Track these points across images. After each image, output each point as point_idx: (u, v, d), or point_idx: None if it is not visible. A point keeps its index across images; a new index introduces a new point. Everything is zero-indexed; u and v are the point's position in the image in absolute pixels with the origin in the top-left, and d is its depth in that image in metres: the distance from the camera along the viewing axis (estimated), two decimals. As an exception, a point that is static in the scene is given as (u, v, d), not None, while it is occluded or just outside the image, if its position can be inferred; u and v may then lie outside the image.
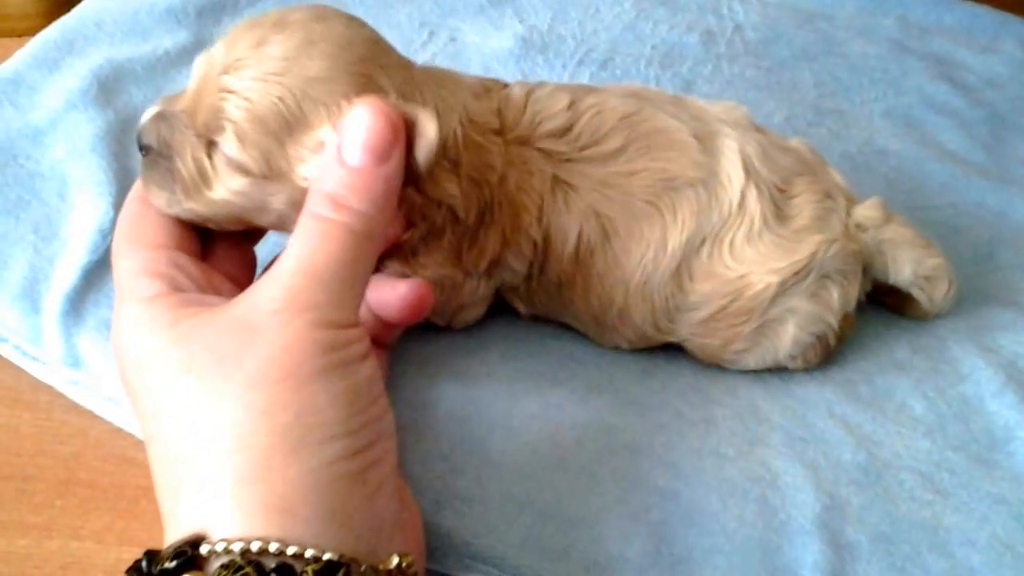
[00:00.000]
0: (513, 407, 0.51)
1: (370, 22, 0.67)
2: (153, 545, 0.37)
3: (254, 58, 0.42)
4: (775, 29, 0.81)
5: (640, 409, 0.53)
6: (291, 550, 0.35)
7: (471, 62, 0.73)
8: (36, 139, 0.59)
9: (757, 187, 0.51)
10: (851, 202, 0.55)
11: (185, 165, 0.43)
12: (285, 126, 0.42)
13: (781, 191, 0.52)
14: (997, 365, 0.56)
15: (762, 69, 0.77)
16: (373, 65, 0.43)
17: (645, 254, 0.50)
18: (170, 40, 0.67)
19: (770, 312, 0.51)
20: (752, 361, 0.54)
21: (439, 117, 0.43)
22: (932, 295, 0.56)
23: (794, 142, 0.56)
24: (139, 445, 0.49)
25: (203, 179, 0.43)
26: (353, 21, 0.45)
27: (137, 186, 0.46)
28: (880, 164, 0.70)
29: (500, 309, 0.55)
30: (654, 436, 0.51)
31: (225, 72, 0.42)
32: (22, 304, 0.52)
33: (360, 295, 0.42)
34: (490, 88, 0.51)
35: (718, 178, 0.51)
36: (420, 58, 0.72)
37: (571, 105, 0.50)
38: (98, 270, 0.53)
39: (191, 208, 0.44)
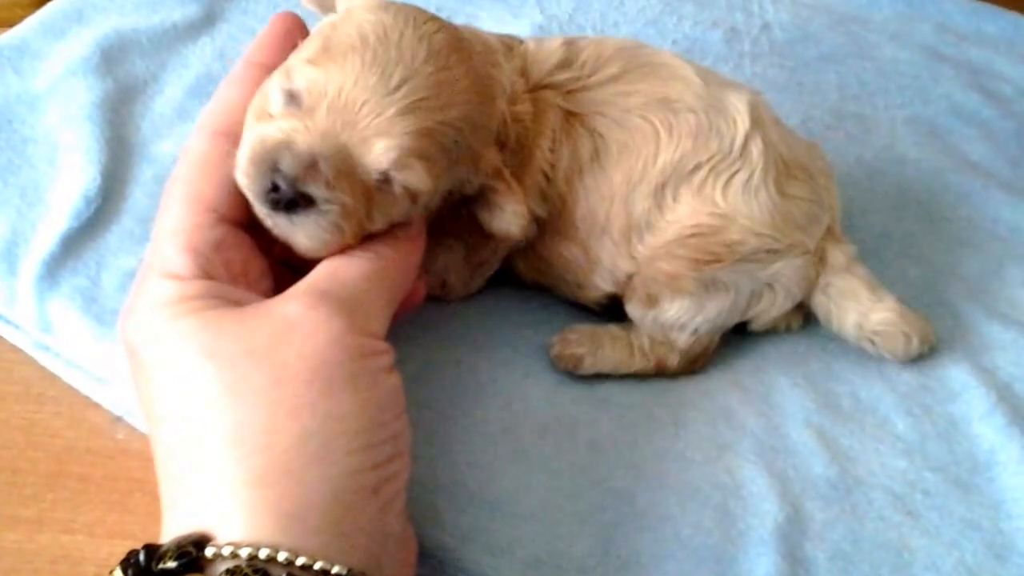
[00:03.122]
0: (477, 397, 0.51)
1: None
2: (146, 539, 0.35)
3: (434, 86, 0.42)
4: (805, 29, 0.79)
5: (610, 406, 0.52)
6: (300, 561, 0.33)
7: (484, 49, 0.72)
8: (33, 105, 0.60)
9: (764, 142, 0.50)
10: (832, 230, 0.54)
11: (356, 209, 0.41)
12: (457, 146, 0.43)
13: (786, 165, 0.51)
14: (990, 386, 0.54)
15: (785, 69, 0.75)
16: (488, 64, 0.47)
17: (634, 166, 0.50)
18: (180, 13, 0.68)
19: (724, 273, 0.50)
20: (675, 309, 0.51)
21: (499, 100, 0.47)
22: (888, 349, 0.54)
23: (811, 144, 0.55)
24: (132, 438, 0.50)
25: (369, 216, 0.42)
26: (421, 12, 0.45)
27: (208, 119, 0.43)
28: (897, 172, 0.68)
29: (478, 298, 0.55)
30: (620, 435, 0.50)
31: (404, 99, 0.41)
32: (0, 267, 0.52)
33: (386, 316, 0.42)
34: (511, 45, 0.51)
35: (722, 114, 0.50)
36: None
37: (567, 44, 0.51)
38: (78, 237, 0.54)
39: (346, 243, 0.42)
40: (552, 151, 0.50)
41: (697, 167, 0.50)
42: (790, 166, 0.52)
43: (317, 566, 0.34)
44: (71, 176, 0.56)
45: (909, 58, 0.78)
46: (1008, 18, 0.83)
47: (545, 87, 0.50)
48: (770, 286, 0.52)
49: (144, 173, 0.58)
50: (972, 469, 0.50)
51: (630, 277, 0.52)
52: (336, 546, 0.35)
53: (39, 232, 0.54)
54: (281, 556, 0.33)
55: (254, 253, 0.43)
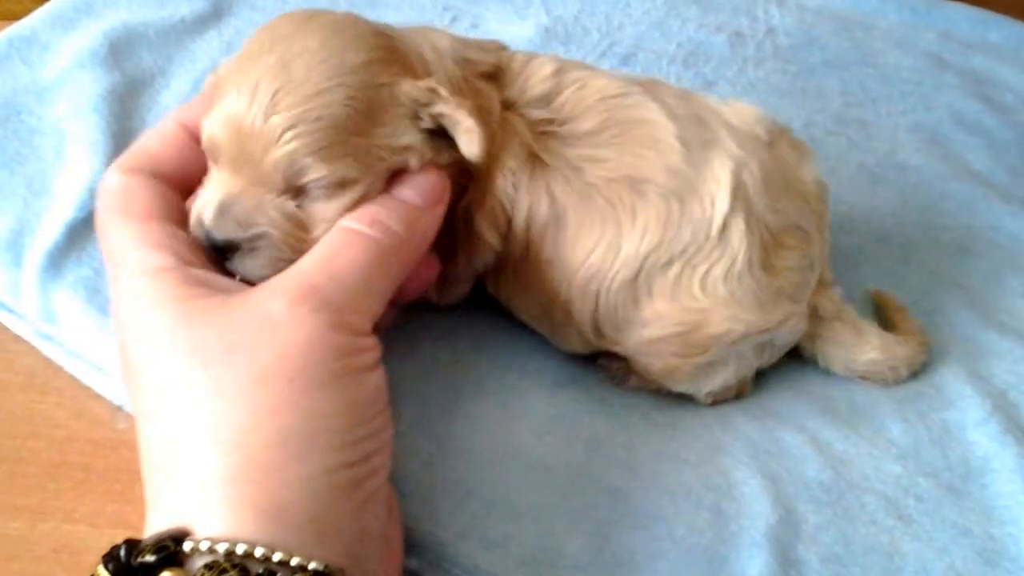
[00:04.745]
0: (476, 395, 0.51)
1: (393, 4, 0.69)
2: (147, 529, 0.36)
3: (292, 82, 0.41)
4: (809, 35, 0.79)
5: (606, 407, 0.52)
6: (277, 556, 0.34)
7: (489, 49, 0.72)
8: (41, 96, 0.61)
9: (747, 223, 0.47)
10: (822, 277, 0.53)
11: (283, 230, 0.42)
12: (365, 118, 0.42)
13: (773, 236, 0.49)
14: (986, 393, 0.54)
15: (788, 74, 0.76)
16: (387, 37, 0.45)
17: (592, 252, 0.48)
18: (188, 7, 0.68)
19: (719, 353, 0.50)
20: (682, 387, 0.52)
21: (440, 52, 0.46)
22: (876, 381, 0.55)
23: (811, 176, 0.52)
24: (133, 428, 0.49)
25: (303, 229, 0.42)
26: (325, 12, 0.45)
27: (121, 160, 0.45)
28: (898, 178, 0.68)
29: (476, 300, 0.55)
30: (616, 435, 0.51)
31: (271, 114, 0.40)
32: (5, 256, 0.53)
33: (377, 308, 0.42)
34: (486, 47, 0.50)
35: (697, 195, 0.48)
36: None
37: (557, 73, 0.49)
38: (83, 228, 0.54)
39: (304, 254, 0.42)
40: (514, 187, 0.48)
41: (670, 261, 0.47)
42: (778, 235, 0.49)
43: (294, 562, 0.34)
44: (77, 167, 0.56)
45: (913, 65, 0.78)
46: (1013, 27, 0.83)
47: (517, 113, 0.48)
48: (771, 342, 0.51)
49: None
50: (965, 475, 0.51)
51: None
52: (314, 542, 0.35)
53: (44, 222, 0.54)
54: (258, 552, 0.33)
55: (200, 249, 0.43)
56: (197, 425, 0.36)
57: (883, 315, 0.58)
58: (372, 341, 0.40)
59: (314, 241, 0.42)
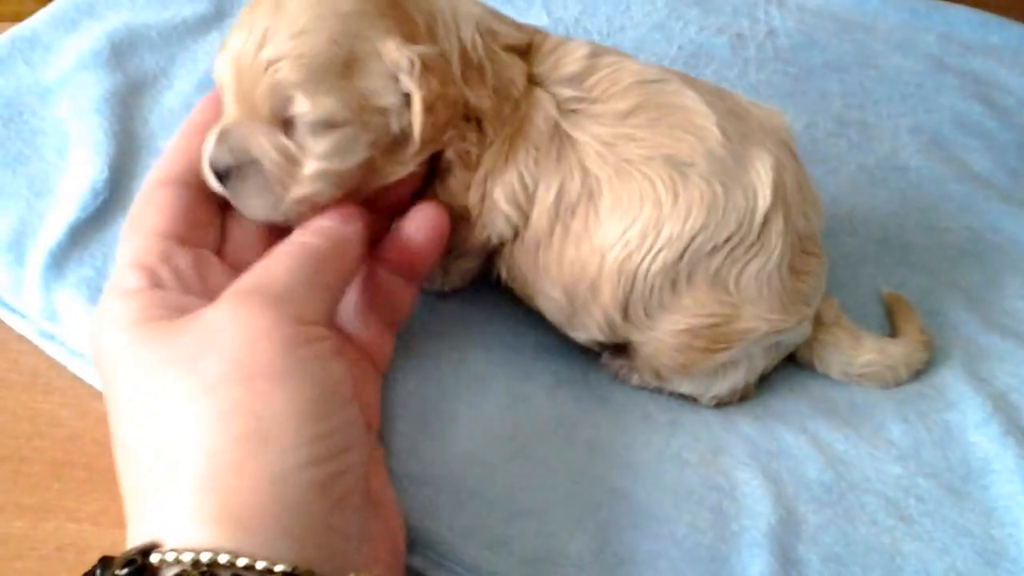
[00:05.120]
0: (480, 395, 0.51)
1: None
2: None
3: (281, 21, 0.42)
4: (810, 36, 0.80)
5: (608, 407, 0.52)
6: (241, 562, 0.33)
7: (490, 50, 0.72)
8: (43, 97, 0.61)
9: (785, 221, 0.47)
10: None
11: (270, 158, 0.43)
12: (344, 65, 0.42)
13: (800, 241, 0.49)
14: (987, 395, 0.54)
15: (790, 76, 0.76)
16: None
17: (630, 229, 0.47)
18: (190, 9, 0.68)
19: (734, 353, 0.50)
20: (687, 389, 0.52)
21: (461, 20, 0.46)
22: (876, 383, 0.55)
23: (811, 188, 0.52)
24: None
25: (293, 162, 0.43)
26: None
27: (156, 169, 0.46)
28: (898, 179, 0.68)
29: (479, 298, 0.55)
30: (617, 435, 0.51)
31: (261, 48, 0.42)
32: (8, 256, 0.53)
33: (329, 299, 0.42)
34: (522, 27, 0.50)
35: (741, 184, 0.47)
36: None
37: (592, 56, 0.49)
38: (86, 228, 0.54)
39: (295, 197, 0.44)
40: (536, 162, 0.47)
41: (715, 249, 0.47)
42: (805, 241, 0.50)
43: (259, 566, 0.34)
44: (79, 168, 0.56)
45: (913, 67, 0.78)
46: (1013, 29, 0.83)
47: (545, 88, 0.48)
48: (776, 344, 0.52)
49: (151, 166, 0.57)
50: (966, 476, 0.51)
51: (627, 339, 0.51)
52: (282, 546, 0.34)
53: (47, 223, 0.54)
54: (222, 558, 0.33)
55: (210, 263, 0.44)
56: (159, 440, 0.36)
57: (890, 317, 0.58)
58: (323, 330, 0.40)
59: (304, 177, 0.43)
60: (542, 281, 0.50)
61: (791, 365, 0.55)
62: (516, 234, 0.50)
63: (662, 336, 0.50)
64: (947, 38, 0.82)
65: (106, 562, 0.35)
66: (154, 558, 0.34)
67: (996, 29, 0.83)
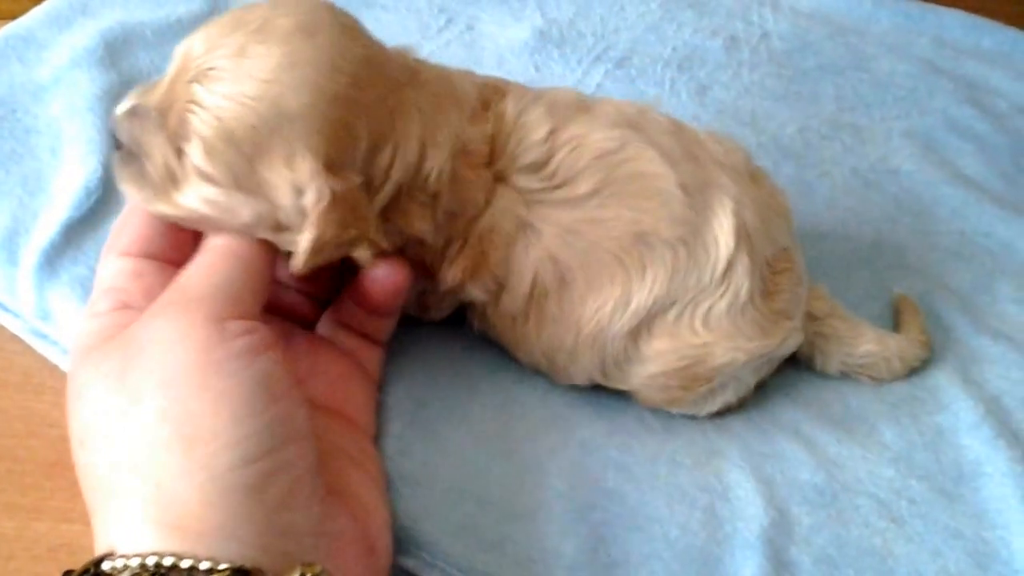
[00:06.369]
0: (472, 397, 0.51)
1: (389, 6, 0.66)
2: None
3: (230, 71, 0.40)
4: (804, 39, 0.80)
5: (602, 410, 0.52)
6: (185, 563, 0.34)
7: (485, 52, 0.73)
8: (37, 95, 0.61)
9: (750, 258, 0.48)
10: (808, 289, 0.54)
11: (155, 167, 0.42)
12: (256, 150, 0.40)
13: (769, 265, 0.50)
14: (979, 398, 0.54)
15: (783, 78, 0.76)
16: (352, 106, 0.41)
17: (602, 307, 0.48)
18: (184, 7, 0.68)
19: (721, 381, 0.50)
20: (682, 411, 0.52)
21: (430, 148, 0.44)
22: (874, 376, 0.55)
23: (776, 189, 0.53)
24: None
25: (172, 182, 0.42)
26: (345, 32, 0.43)
27: None
28: (891, 183, 0.68)
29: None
30: (611, 437, 0.51)
31: (197, 80, 0.40)
32: (0, 255, 0.53)
33: (249, 292, 0.41)
34: (489, 101, 0.48)
35: (702, 239, 0.48)
36: (434, 44, 0.72)
37: (551, 135, 0.47)
38: (79, 227, 0.54)
39: (160, 209, 0.43)
40: (507, 260, 0.47)
41: (672, 304, 0.48)
42: (774, 263, 0.50)
43: (203, 566, 0.34)
44: (73, 167, 0.56)
45: (907, 71, 0.78)
46: (1006, 33, 0.84)
47: (509, 185, 0.47)
48: (769, 359, 0.52)
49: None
50: (957, 479, 0.51)
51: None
52: (225, 548, 0.35)
53: (40, 222, 0.54)
54: (167, 561, 0.34)
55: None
56: (105, 450, 0.37)
57: (895, 315, 0.59)
58: (246, 324, 0.39)
59: (176, 202, 0.42)
60: (518, 347, 0.51)
61: (786, 368, 0.55)
62: (487, 304, 0.50)
63: (640, 383, 0.50)
64: (940, 42, 0.82)
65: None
66: (106, 565, 0.35)
67: (989, 33, 0.83)
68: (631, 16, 0.79)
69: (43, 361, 0.53)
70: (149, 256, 0.43)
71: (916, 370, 0.56)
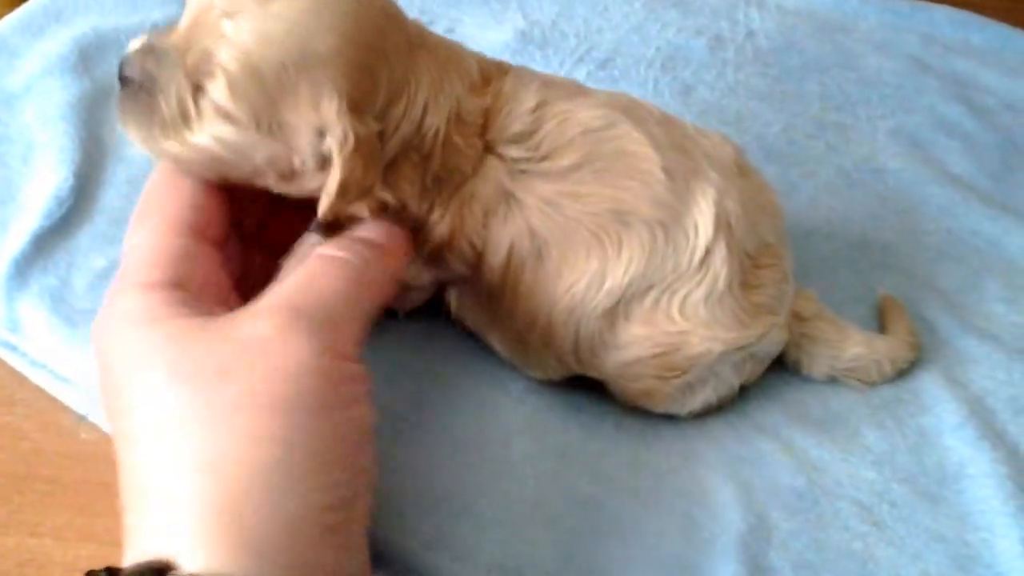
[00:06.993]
0: (447, 404, 0.51)
1: None
2: (112, 543, 0.35)
3: (257, 11, 0.40)
4: (789, 38, 0.79)
5: (580, 415, 0.52)
6: None
7: (466, 53, 0.72)
8: (9, 103, 0.60)
9: (728, 247, 0.47)
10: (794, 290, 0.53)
11: (168, 104, 0.41)
12: (280, 90, 0.40)
13: (751, 258, 0.49)
14: (963, 399, 0.54)
15: (768, 78, 0.75)
16: (376, 54, 0.42)
17: (577, 282, 0.47)
18: (160, 13, 0.68)
19: (699, 374, 0.49)
20: (660, 408, 0.51)
21: (431, 107, 0.44)
22: (863, 379, 0.55)
23: (768, 189, 0.52)
24: (99, 440, 0.49)
25: (185, 121, 0.41)
26: None
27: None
28: (876, 182, 0.68)
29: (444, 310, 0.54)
30: (588, 443, 0.50)
31: (226, 16, 0.40)
32: (-31, 266, 0.52)
33: (362, 334, 0.40)
34: (490, 78, 0.48)
35: (682, 225, 0.47)
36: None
37: (539, 107, 0.47)
38: (50, 237, 0.54)
39: (166, 149, 0.42)
40: (485, 227, 0.47)
41: (649, 288, 0.47)
42: (756, 257, 0.50)
43: None
44: (44, 175, 0.56)
45: (893, 68, 0.78)
46: (995, 29, 0.83)
47: (495, 153, 0.47)
48: (752, 355, 0.51)
49: (118, 174, 0.58)
50: (940, 481, 0.50)
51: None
52: None
53: (10, 231, 0.54)
54: None
55: (221, 270, 0.43)
56: (177, 452, 0.34)
57: (881, 316, 0.58)
58: (361, 370, 0.39)
59: (187, 141, 0.41)
60: (495, 328, 0.51)
61: (768, 371, 0.55)
62: (466, 280, 0.49)
63: (614, 370, 0.50)
64: (928, 38, 0.81)
65: (112, 573, 0.34)
66: None
67: (978, 29, 0.82)
68: (615, 16, 0.78)
69: (12, 372, 0.52)
70: (191, 232, 0.41)
71: (901, 372, 0.55)
